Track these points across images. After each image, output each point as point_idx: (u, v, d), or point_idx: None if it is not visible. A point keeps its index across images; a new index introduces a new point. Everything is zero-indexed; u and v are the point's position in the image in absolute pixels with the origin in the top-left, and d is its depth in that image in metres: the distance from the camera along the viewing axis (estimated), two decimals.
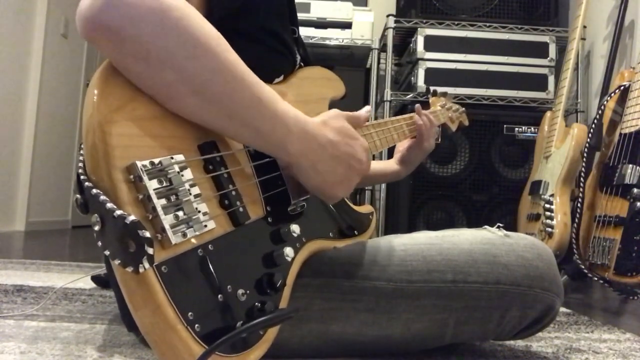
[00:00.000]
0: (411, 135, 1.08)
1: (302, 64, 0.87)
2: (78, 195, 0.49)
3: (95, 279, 1.32)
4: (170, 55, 0.51)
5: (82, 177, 0.49)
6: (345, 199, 0.83)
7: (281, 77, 0.78)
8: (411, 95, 2.27)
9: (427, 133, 1.08)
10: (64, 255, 2.08)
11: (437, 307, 0.73)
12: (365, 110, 0.79)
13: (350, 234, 0.80)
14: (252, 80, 0.57)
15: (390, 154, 1.23)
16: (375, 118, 2.46)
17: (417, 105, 1.09)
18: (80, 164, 0.50)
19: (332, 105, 0.87)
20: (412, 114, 1.08)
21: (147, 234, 0.45)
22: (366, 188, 2.44)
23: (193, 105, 0.54)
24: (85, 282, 1.33)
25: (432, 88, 1.41)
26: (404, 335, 0.75)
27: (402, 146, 1.15)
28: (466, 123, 1.34)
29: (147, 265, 0.45)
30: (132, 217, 0.44)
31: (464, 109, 1.32)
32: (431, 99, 1.25)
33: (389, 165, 1.15)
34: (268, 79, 0.69)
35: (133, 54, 0.50)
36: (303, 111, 0.64)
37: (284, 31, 0.81)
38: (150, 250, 0.44)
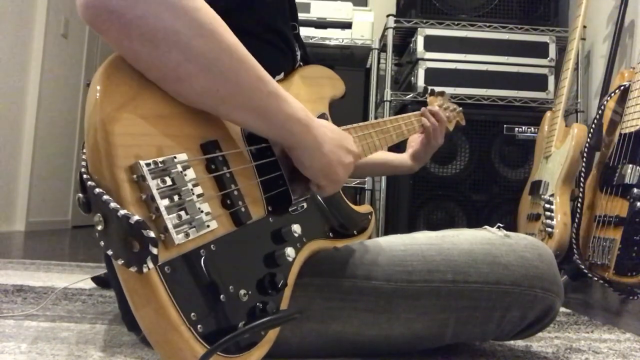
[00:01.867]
0: (419, 131, 1.12)
1: (301, 62, 0.87)
2: (80, 195, 0.49)
3: (95, 279, 1.32)
4: (177, 35, 0.51)
5: (84, 176, 0.49)
6: (345, 199, 0.83)
7: (282, 75, 0.78)
8: (411, 95, 2.27)
9: (434, 133, 1.12)
10: (64, 255, 2.08)
11: (437, 307, 0.73)
12: None
13: (349, 234, 0.80)
14: (254, 61, 0.58)
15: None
16: (376, 118, 2.46)
17: (424, 109, 1.13)
18: (83, 163, 0.50)
19: (332, 104, 0.87)
20: (416, 112, 1.11)
21: (152, 234, 0.44)
22: (366, 188, 2.44)
23: (201, 86, 0.54)
24: (85, 282, 1.33)
25: (429, 87, 1.40)
26: (404, 335, 0.75)
27: (414, 141, 1.17)
28: (463, 123, 1.35)
29: (151, 265, 0.45)
30: (136, 217, 0.44)
31: (460, 108, 1.33)
32: (429, 99, 1.25)
33: (404, 159, 1.18)
34: None
35: (139, 36, 0.50)
36: None
37: (285, 27, 0.81)
38: (154, 250, 0.44)
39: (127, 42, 0.50)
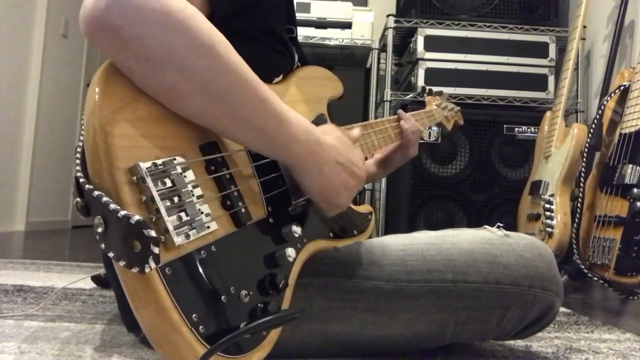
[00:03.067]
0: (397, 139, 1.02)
1: (299, 63, 0.88)
2: (78, 199, 0.48)
3: (95, 279, 1.32)
4: (174, 56, 0.51)
5: (81, 180, 0.48)
6: None
7: (280, 77, 0.78)
8: (411, 95, 2.27)
9: (413, 139, 1.02)
10: (64, 255, 2.08)
11: (437, 307, 0.73)
12: (357, 131, 0.79)
13: (350, 234, 0.80)
14: (255, 81, 0.57)
15: None
16: (376, 118, 2.46)
17: (400, 111, 1.03)
18: (77, 167, 0.50)
19: (331, 104, 0.87)
20: (396, 116, 1.03)
21: (153, 233, 0.44)
22: (366, 188, 2.44)
23: (196, 106, 0.54)
24: (85, 282, 1.33)
25: (427, 87, 1.40)
26: (404, 335, 0.75)
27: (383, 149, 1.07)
28: (461, 122, 1.34)
29: (153, 265, 0.44)
30: (137, 217, 0.44)
31: (459, 108, 1.33)
32: (427, 98, 1.25)
33: (367, 167, 1.08)
34: (268, 78, 0.69)
35: (136, 55, 0.50)
36: (302, 111, 0.64)
37: (282, 30, 0.81)
38: (155, 250, 0.44)
39: (123, 58, 0.50)
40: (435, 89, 2.07)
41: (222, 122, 0.56)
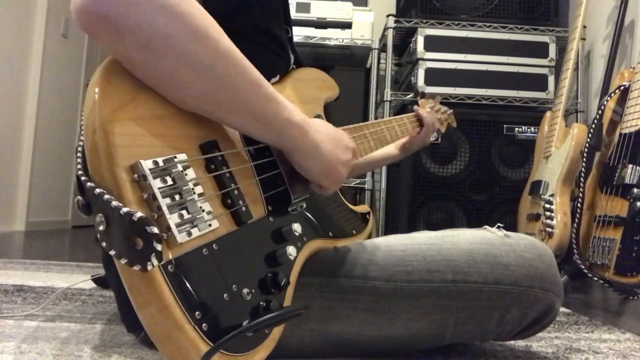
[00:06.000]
0: (412, 133, 1.17)
1: (294, 65, 0.88)
2: (79, 197, 0.48)
3: (95, 279, 1.32)
4: (172, 41, 0.51)
5: (82, 178, 0.48)
6: (343, 199, 0.84)
7: (277, 78, 0.78)
8: (411, 95, 2.27)
9: (432, 126, 1.20)
10: (64, 255, 2.08)
11: (437, 307, 0.73)
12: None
13: (349, 233, 0.80)
14: (249, 65, 0.57)
15: None
16: (375, 118, 2.46)
17: (416, 107, 1.20)
18: (79, 165, 0.50)
19: (331, 104, 0.87)
20: (409, 114, 1.16)
21: (156, 230, 0.44)
22: (366, 188, 2.44)
23: (197, 92, 0.54)
24: (85, 282, 1.33)
25: (420, 90, 1.40)
26: (404, 335, 0.75)
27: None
28: (454, 124, 1.36)
29: (155, 262, 0.44)
30: (139, 214, 0.44)
31: (452, 110, 1.35)
32: (420, 101, 1.27)
33: (389, 149, 1.21)
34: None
35: (134, 43, 0.50)
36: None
37: (279, 31, 0.81)
38: (158, 247, 0.44)
39: (122, 48, 0.50)
40: (434, 89, 2.07)
41: (222, 107, 0.56)
